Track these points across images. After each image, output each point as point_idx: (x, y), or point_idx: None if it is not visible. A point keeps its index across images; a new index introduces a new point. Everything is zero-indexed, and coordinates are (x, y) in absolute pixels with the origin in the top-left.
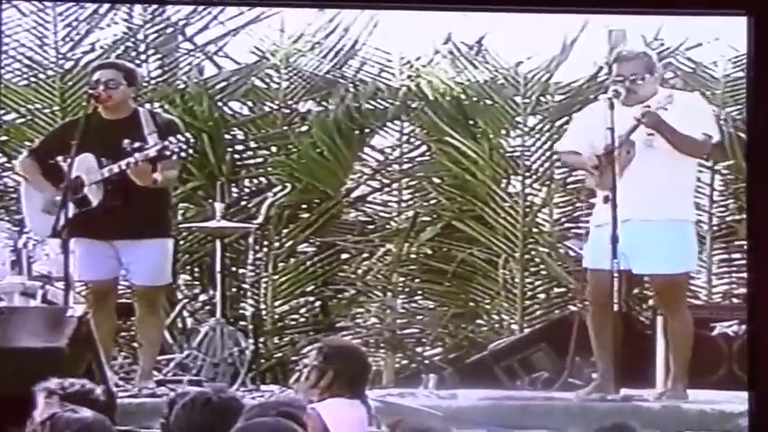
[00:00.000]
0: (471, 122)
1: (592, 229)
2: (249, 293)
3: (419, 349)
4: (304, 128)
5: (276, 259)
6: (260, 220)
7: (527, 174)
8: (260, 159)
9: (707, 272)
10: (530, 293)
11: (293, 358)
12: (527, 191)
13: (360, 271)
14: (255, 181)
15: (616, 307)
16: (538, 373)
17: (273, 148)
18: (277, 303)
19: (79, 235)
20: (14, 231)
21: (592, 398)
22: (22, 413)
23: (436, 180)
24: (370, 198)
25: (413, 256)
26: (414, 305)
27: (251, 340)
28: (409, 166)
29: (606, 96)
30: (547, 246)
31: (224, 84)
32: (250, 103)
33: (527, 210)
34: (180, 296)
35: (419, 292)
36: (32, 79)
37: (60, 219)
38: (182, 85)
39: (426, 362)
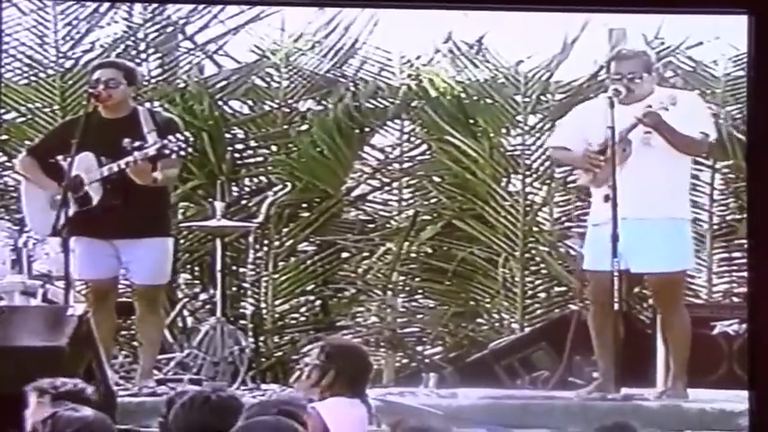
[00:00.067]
0: (472, 121)
1: (589, 227)
2: (249, 292)
3: (419, 348)
4: (304, 127)
5: (276, 258)
6: (260, 218)
7: (527, 173)
8: (260, 158)
9: (707, 271)
10: (530, 292)
11: (294, 357)
12: (527, 190)
13: (360, 270)
14: (256, 180)
15: (616, 306)
16: (538, 372)
17: (274, 147)
18: (277, 302)
19: (79, 234)
20: (15, 230)
21: (592, 397)
22: (22, 413)
23: (436, 179)
24: (370, 197)
25: (413, 254)
26: (414, 304)
27: (251, 339)
28: (409, 164)
29: (606, 95)
30: (547, 245)
31: (224, 83)
32: (250, 102)
33: (527, 209)
34: (180, 295)
35: (419, 291)
36: (33, 78)
37: (60, 218)
38: (182, 84)
39: (427, 361)
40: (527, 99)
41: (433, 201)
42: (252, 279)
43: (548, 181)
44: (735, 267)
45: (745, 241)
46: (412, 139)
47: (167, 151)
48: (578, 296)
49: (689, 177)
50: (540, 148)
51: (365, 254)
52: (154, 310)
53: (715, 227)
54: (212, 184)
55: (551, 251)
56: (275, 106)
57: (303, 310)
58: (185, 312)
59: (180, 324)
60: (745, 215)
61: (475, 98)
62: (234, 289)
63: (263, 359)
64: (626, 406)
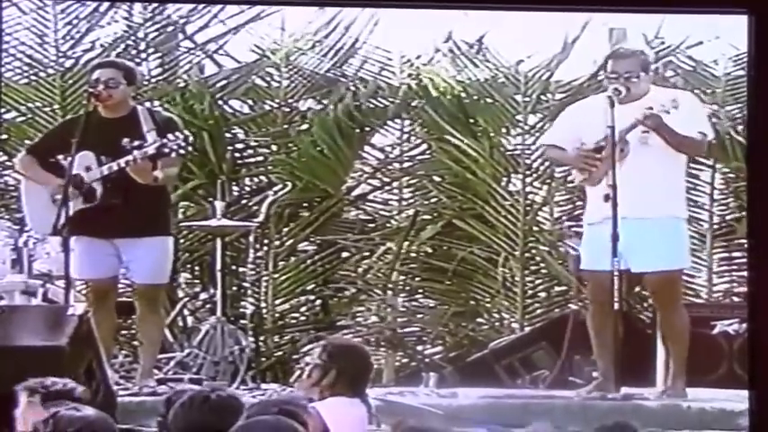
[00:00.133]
0: (472, 121)
1: (585, 227)
2: (250, 292)
3: (419, 348)
4: (304, 126)
5: (277, 258)
6: (260, 218)
7: (527, 172)
8: (260, 158)
9: (707, 270)
10: (530, 292)
11: (294, 357)
12: (527, 189)
13: (360, 269)
14: (256, 179)
15: (617, 306)
16: (538, 372)
17: (274, 147)
18: (277, 302)
19: (79, 233)
20: (15, 230)
21: (592, 396)
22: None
23: (437, 178)
24: (370, 196)
25: (413, 254)
26: (414, 304)
27: (251, 338)
28: (410, 164)
29: (606, 94)
30: (547, 244)
31: (224, 82)
32: (250, 102)
33: (527, 208)
34: (180, 294)
35: (420, 291)
36: (33, 78)
37: (61, 217)
38: (182, 84)
39: (427, 360)
40: (527, 99)
41: (433, 200)
42: (252, 278)
43: (548, 180)
44: (735, 267)
45: (745, 241)
46: (412, 138)
47: (167, 150)
48: (577, 295)
49: (684, 176)
50: (540, 148)
51: (365, 253)
52: (154, 310)
53: (715, 226)
54: (212, 184)
55: (551, 251)
56: (275, 106)
57: (303, 309)
58: (185, 312)
59: (180, 323)
60: (744, 214)
61: (475, 98)
62: (234, 288)
63: (264, 359)
64: (626, 405)
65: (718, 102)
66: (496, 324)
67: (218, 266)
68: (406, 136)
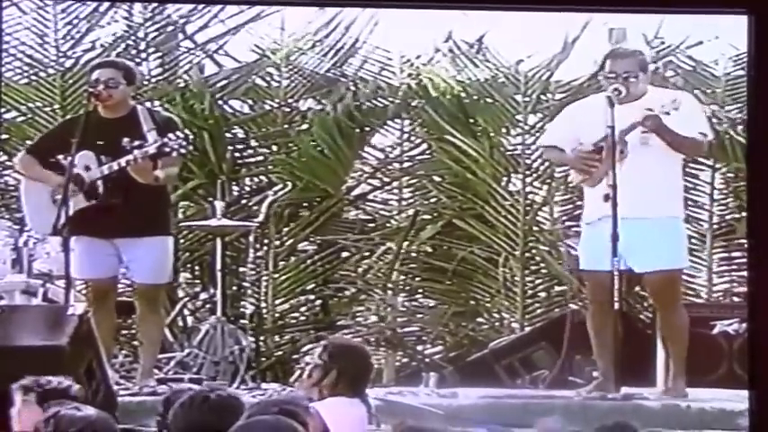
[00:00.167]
0: (472, 121)
1: (583, 227)
2: (250, 292)
3: (420, 347)
4: (304, 126)
5: (277, 258)
6: (260, 218)
7: (527, 172)
8: (260, 158)
9: (707, 270)
10: (530, 292)
11: (294, 356)
12: (527, 189)
13: (360, 269)
14: (256, 179)
15: (617, 305)
16: (538, 372)
17: (274, 147)
18: (277, 302)
19: (79, 233)
20: (15, 230)
21: (592, 396)
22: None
23: (437, 178)
24: (370, 196)
25: (413, 254)
26: (414, 303)
27: (251, 338)
28: (410, 164)
29: (606, 94)
30: (547, 244)
31: (224, 82)
32: (251, 102)
33: (527, 208)
34: (180, 294)
35: (420, 291)
36: (33, 77)
37: (61, 217)
38: (182, 84)
39: (427, 360)
40: (527, 98)
41: (433, 200)
42: (252, 278)
43: (548, 180)
44: (735, 267)
45: (744, 241)
46: (412, 138)
47: (168, 149)
48: (576, 295)
49: (681, 176)
50: (539, 149)
51: (365, 253)
52: (154, 310)
53: (715, 226)
54: (212, 184)
55: (551, 250)
56: (275, 106)
57: (303, 309)
58: (186, 312)
59: (180, 323)
60: (744, 214)
61: (475, 97)
62: (234, 288)
63: (264, 358)
64: (626, 405)
65: (718, 102)
66: (496, 324)
67: (219, 266)
68: (406, 136)
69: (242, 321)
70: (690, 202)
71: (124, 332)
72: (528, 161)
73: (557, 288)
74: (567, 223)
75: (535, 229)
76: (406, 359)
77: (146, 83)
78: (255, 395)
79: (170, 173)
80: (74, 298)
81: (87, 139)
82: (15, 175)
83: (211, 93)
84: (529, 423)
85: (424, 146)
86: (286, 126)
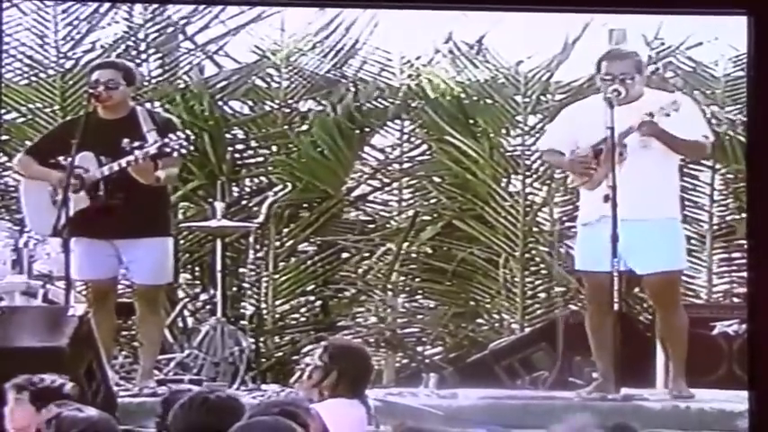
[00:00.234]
0: (472, 122)
1: (579, 228)
2: (250, 293)
3: (419, 348)
4: (304, 127)
5: (277, 258)
6: (260, 219)
7: (527, 173)
8: (260, 159)
9: (707, 271)
10: (530, 293)
11: (294, 357)
12: (527, 190)
13: (360, 270)
14: (256, 180)
15: (616, 306)
16: (538, 373)
17: (274, 148)
18: (278, 302)
19: (79, 234)
20: (15, 231)
21: (592, 397)
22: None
23: (436, 179)
24: (370, 197)
25: (413, 255)
26: (414, 304)
27: (251, 339)
28: (409, 165)
29: (606, 96)
30: (547, 245)
31: (225, 83)
32: (251, 103)
33: (527, 209)
34: (180, 295)
35: (420, 292)
36: (33, 78)
37: (61, 218)
38: (182, 85)
39: (427, 361)
40: (527, 99)
41: (433, 201)
42: (252, 279)
43: (548, 181)
44: (734, 268)
45: (744, 241)
46: (412, 139)
47: (168, 149)
48: (575, 296)
49: (679, 177)
50: (538, 152)
51: (365, 254)
52: (154, 311)
53: (715, 227)
54: (213, 185)
55: (551, 251)
56: (275, 106)
57: (303, 310)
58: (186, 313)
59: (180, 324)
60: (744, 215)
61: (475, 98)
62: (234, 289)
63: (264, 359)
64: (626, 406)
65: (717, 103)
66: (496, 325)
67: (219, 267)
68: (405, 137)
69: (242, 322)
70: (690, 203)
71: (124, 333)
72: (528, 162)
73: (557, 289)
74: (567, 224)
75: (535, 230)
76: (405, 360)
77: (146, 84)
78: (255, 396)
79: (171, 173)
80: (74, 299)
81: (87, 140)
82: (15, 176)
83: (211, 94)
84: (528, 424)
85: (424, 147)
86: (286, 127)
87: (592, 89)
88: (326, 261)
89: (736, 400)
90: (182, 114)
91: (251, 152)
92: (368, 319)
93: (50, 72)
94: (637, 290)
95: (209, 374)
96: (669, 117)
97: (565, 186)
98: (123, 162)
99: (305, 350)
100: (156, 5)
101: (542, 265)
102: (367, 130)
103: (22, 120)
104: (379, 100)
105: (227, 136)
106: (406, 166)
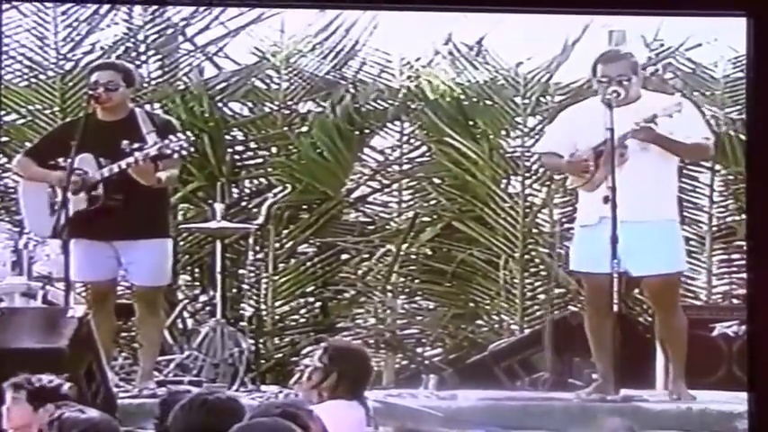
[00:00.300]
0: (471, 123)
1: (577, 229)
2: (249, 294)
3: (419, 350)
4: (304, 128)
5: (276, 260)
6: (260, 220)
7: (527, 174)
8: (260, 160)
9: (707, 272)
10: (530, 294)
11: (294, 359)
12: (527, 191)
13: (360, 271)
14: (256, 182)
15: (616, 308)
16: (538, 374)
17: (273, 149)
18: (277, 304)
19: (79, 236)
20: (15, 232)
21: (592, 398)
22: None
23: (436, 180)
24: (370, 199)
25: (413, 256)
26: (414, 306)
27: (251, 341)
28: (409, 166)
29: (606, 97)
30: (547, 246)
31: (224, 84)
32: (250, 104)
33: (527, 210)
34: (180, 297)
35: (419, 293)
36: (33, 80)
37: (60, 219)
38: (182, 86)
39: (426, 362)
40: (527, 101)
41: (432, 202)
42: (252, 281)
43: (547, 182)
44: (734, 269)
45: (744, 243)
46: (412, 140)
47: (169, 151)
48: (575, 297)
49: (677, 179)
50: (536, 155)
51: (365, 255)
52: (154, 312)
53: (714, 228)
54: (212, 186)
55: (551, 253)
56: (275, 108)
57: (303, 311)
58: (185, 314)
59: (180, 326)
60: (744, 217)
61: (474, 100)
62: (234, 290)
63: (263, 361)
64: (625, 407)
65: (717, 104)
66: (496, 326)
67: (218, 268)
68: (405, 138)
69: (242, 324)
70: (689, 205)
71: (124, 334)
72: (527, 163)
73: (556, 290)
74: (567, 225)
75: (534, 231)
76: (405, 361)
77: (146, 85)
78: (255, 397)
79: (171, 175)
80: (73, 300)
81: (86, 142)
82: (15, 178)
83: (211, 95)
84: (528, 425)
85: (424, 148)
86: (286, 128)
87: (591, 91)
88: (326, 262)
89: (736, 402)
90: (181, 116)
91: (251, 153)
92: (367, 320)
93: (50, 73)
94: (636, 291)
95: (208, 376)
96: (671, 118)
97: (564, 188)
98: (123, 164)
99: (304, 351)
100: (155, 7)
101: (542, 267)
102: (366, 131)
103: (21, 121)
104: (379, 101)
105: (227, 137)
106: (405, 167)
